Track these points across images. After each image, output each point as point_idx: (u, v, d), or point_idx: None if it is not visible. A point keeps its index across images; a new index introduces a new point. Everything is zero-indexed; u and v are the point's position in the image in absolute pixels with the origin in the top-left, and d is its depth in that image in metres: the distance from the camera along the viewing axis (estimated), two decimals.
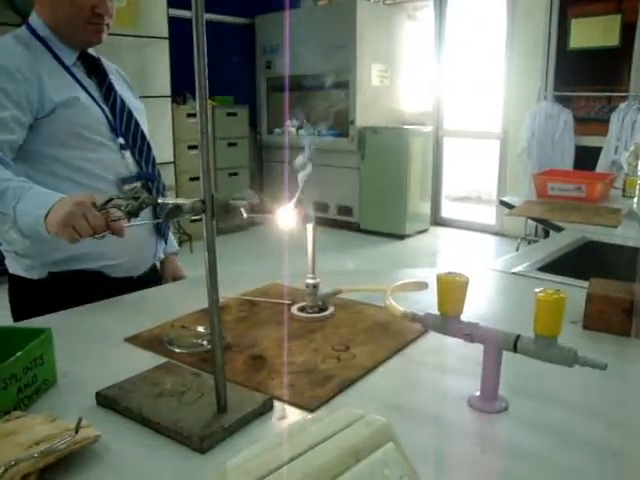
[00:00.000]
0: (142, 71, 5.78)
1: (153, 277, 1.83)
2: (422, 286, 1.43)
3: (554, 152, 5.69)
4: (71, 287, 1.58)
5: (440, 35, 6.82)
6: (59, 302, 1.51)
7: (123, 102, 1.67)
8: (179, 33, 5.78)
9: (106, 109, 1.60)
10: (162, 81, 5.89)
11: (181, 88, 6.07)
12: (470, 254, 6.01)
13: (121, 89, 1.73)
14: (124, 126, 1.63)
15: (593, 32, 5.54)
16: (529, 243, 5.47)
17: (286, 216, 1.30)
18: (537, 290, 0.97)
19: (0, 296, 1.72)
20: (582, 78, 5.71)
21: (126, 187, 1.59)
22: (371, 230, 6.54)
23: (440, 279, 1.04)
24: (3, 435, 0.85)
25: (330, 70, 6.41)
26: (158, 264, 1.90)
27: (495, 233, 6.63)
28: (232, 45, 7.11)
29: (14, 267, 1.61)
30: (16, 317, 1.62)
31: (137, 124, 1.68)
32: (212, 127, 5.92)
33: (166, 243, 1.84)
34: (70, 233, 1.22)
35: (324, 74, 6.55)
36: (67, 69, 1.56)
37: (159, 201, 0.93)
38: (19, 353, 1.01)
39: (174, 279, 1.95)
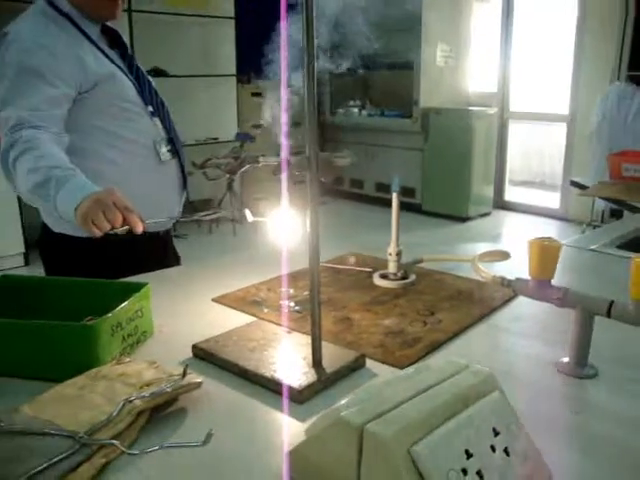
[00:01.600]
0: (208, 50, 5.86)
1: (171, 231, 1.90)
2: (505, 256, 1.43)
3: (626, 135, 5.49)
4: (111, 246, 1.56)
5: (508, 14, 6.65)
6: (100, 259, 1.58)
7: (143, 72, 1.74)
8: (245, 13, 5.83)
9: (133, 80, 1.67)
10: (228, 60, 5.96)
11: (245, 67, 6.12)
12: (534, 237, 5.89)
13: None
14: (149, 95, 1.71)
15: None
16: (594, 229, 5.32)
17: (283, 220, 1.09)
18: (633, 255, 0.97)
19: None
20: None
21: (162, 150, 1.68)
22: (433, 212, 6.47)
23: (533, 244, 1.04)
24: (116, 375, 0.90)
25: (394, 50, 6.34)
26: None
27: (559, 218, 6.48)
28: None
29: (61, 226, 1.65)
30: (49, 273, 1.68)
31: (157, 92, 1.76)
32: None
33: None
34: (90, 227, 1.26)
35: (388, 54, 6.48)
36: (94, 43, 1.62)
37: (260, 159, 0.96)
38: (124, 303, 1.06)
39: None
